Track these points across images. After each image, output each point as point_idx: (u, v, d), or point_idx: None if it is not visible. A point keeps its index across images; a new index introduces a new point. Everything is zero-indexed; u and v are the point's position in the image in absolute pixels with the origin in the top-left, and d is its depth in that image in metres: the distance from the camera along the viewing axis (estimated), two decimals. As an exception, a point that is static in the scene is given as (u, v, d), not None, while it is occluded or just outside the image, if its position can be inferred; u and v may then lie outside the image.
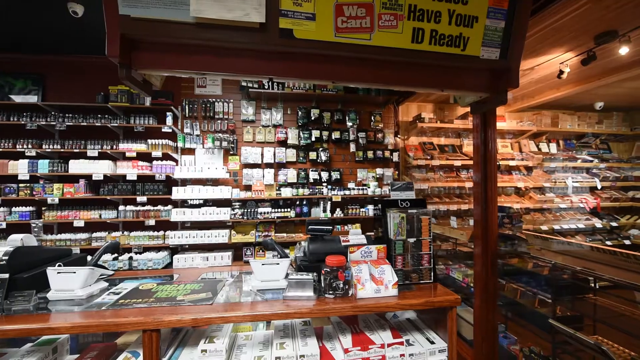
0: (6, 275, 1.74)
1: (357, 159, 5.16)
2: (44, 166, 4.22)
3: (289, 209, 4.68)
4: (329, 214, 4.79)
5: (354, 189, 4.90)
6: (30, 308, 1.71)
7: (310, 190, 4.78)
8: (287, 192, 4.72)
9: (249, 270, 2.46)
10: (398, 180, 5.29)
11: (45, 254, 2.07)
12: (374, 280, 1.90)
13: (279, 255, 2.41)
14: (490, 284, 2.69)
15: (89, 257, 2.46)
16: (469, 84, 2.20)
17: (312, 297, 1.78)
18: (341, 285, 1.83)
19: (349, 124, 5.08)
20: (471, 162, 5.46)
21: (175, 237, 4.35)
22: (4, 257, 1.75)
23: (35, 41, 4.38)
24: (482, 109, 2.52)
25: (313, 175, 4.94)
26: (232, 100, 4.89)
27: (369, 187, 4.97)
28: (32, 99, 4.53)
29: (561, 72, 3.69)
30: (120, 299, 1.77)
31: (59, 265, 1.96)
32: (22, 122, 4.22)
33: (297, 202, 4.78)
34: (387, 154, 5.14)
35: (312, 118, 4.94)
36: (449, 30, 1.97)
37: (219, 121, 4.83)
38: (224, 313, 1.59)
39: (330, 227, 2.08)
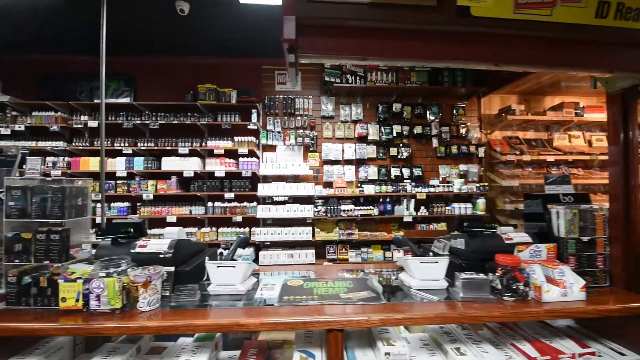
0: (172, 268, 1.74)
1: (438, 154, 4.92)
2: (139, 163, 4.40)
3: (371, 207, 4.54)
4: (413, 212, 4.59)
5: (438, 186, 4.66)
6: (196, 302, 1.69)
7: (394, 187, 4.61)
8: (370, 189, 4.58)
9: (344, 267, 2.34)
10: (483, 176, 4.99)
11: (191, 248, 2.07)
12: (550, 282, 1.70)
13: (411, 254, 2.27)
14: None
15: (218, 251, 2.46)
16: (649, 62, 1.93)
17: (491, 299, 1.61)
18: (521, 287, 1.64)
19: (431, 117, 4.85)
20: (565, 157, 5.02)
21: (261, 234, 4.36)
22: (170, 250, 1.75)
23: (127, 43, 4.58)
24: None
25: (395, 172, 4.76)
26: (311, 97, 4.84)
27: (453, 184, 4.70)
28: (125, 99, 4.75)
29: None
30: (284, 295, 1.70)
31: (208, 259, 1.95)
32: (119, 122, 4.43)
33: (380, 200, 4.62)
34: (472, 149, 4.84)
35: (394, 112, 4.76)
36: (636, 2, 1.73)
37: (299, 117, 4.80)
38: (411, 314, 1.47)
39: (494, 225, 1.90)
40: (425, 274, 1.82)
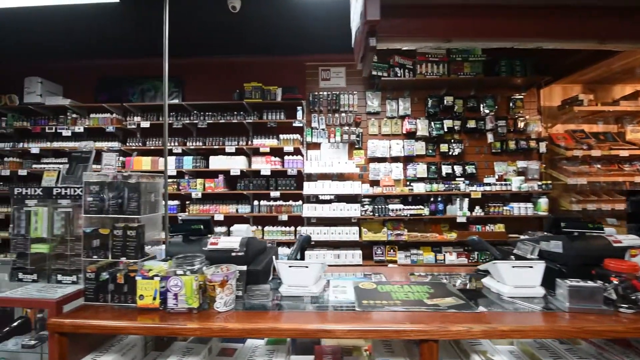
0: (244, 267, 1.67)
1: (493, 150, 4.60)
2: (188, 162, 4.48)
3: (421, 206, 4.32)
4: (467, 212, 4.31)
5: (494, 184, 4.35)
6: (269, 304, 1.61)
7: (446, 185, 4.36)
8: (420, 188, 4.36)
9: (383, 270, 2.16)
10: (543, 174, 4.60)
11: (258, 246, 2.00)
12: (676, 294, 1.45)
13: (492, 257, 2.06)
14: None
15: (279, 250, 2.38)
16: None
17: (606, 311, 1.39)
18: (643, 299, 1.41)
19: (486, 111, 4.54)
20: (640, 152, 4.52)
21: (306, 233, 4.27)
22: (242, 248, 1.68)
23: (176, 45, 4.67)
24: None
25: (446, 169, 4.51)
26: (356, 92, 4.70)
27: (510, 182, 4.37)
28: (174, 100, 4.86)
29: None
30: (362, 299, 1.58)
31: (279, 258, 1.87)
32: (170, 122, 4.53)
33: (431, 199, 4.39)
34: (532, 144, 4.48)
35: (445, 105, 4.51)
36: None
37: (344, 114, 4.68)
38: (519, 325, 1.29)
39: (601, 225, 1.66)
40: (518, 280, 1.63)
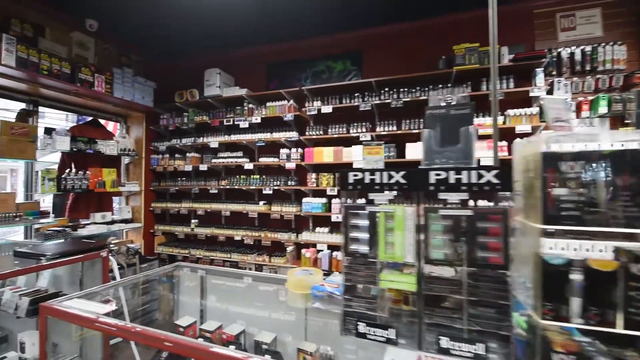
0: None
1: None
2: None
3: None
4: None
5: None
6: None
7: None
8: None
9: None
10: None
11: None
12: None
13: None
14: None
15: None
16: None
17: None
18: None
19: None
20: None
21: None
22: None
23: (351, 16, 3.91)
24: None
25: None
26: (620, 43, 3.19)
27: None
28: (353, 80, 4.14)
29: None
30: None
31: None
32: (355, 104, 3.79)
33: None
34: None
35: None
36: None
37: (601, 75, 3.21)
38: None
39: None
40: None
